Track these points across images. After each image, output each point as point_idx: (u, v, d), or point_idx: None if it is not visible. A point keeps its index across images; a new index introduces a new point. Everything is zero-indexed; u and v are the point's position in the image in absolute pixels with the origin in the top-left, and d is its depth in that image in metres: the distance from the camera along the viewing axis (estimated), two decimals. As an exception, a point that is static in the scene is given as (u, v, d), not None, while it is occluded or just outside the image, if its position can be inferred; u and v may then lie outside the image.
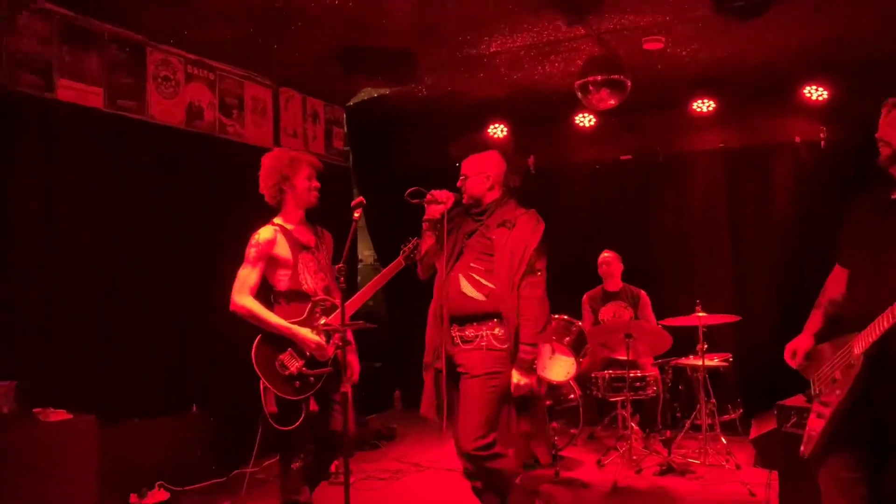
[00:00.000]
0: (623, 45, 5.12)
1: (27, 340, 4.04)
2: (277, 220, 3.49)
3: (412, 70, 5.33)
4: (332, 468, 4.74)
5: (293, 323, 3.32)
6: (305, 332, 3.33)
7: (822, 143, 6.00)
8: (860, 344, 2.27)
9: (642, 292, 5.82)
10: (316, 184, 3.48)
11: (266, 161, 3.51)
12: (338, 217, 4.28)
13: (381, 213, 7.10)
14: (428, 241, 3.39)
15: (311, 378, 3.33)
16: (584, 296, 5.92)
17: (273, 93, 5.95)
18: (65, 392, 3.94)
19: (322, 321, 3.37)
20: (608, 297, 5.84)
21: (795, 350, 2.58)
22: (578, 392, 5.27)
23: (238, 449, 5.03)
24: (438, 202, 3.30)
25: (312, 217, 3.63)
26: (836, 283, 2.62)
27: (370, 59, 5.22)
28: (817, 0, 4.48)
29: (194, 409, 4.83)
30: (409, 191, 3.28)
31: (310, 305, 3.39)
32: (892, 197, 2.42)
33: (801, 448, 2.46)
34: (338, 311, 3.32)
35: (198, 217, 5.18)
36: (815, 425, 2.41)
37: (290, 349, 3.34)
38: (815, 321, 2.61)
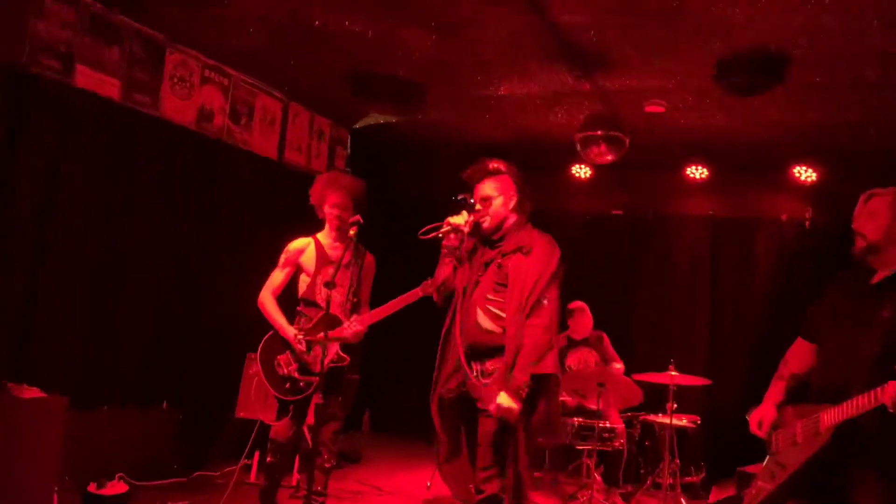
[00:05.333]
0: (625, 105, 5.31)
1: (11, 316, 4.05)
2: (320, 233, 3.94)
3: (421, 102, 5.47)
4: (294, 482, 4.78)
5: (302, 328, 3.70)
6: (290, 331, 3.73)
7: (807, 223, 6.20)
8: (831, 417, 2.38)
9: (602, 333, 5.94)
10: (336, 211, 3.84)
11: (314, 183, 3.97)
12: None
13: (376, 236, 7.19)
14: (445, 269, 3.33)
15: (301, 383, 3.62)
16: None
17: (283, 106, 6.08)
18: (41, 371, 3.96)
19: (324, 334, 3.56)
20: (574, 343, 5.93)
21: (761, 421, 2.69)
22: (545, 436, 5.31)
23: (202, 450, 5.04)
24: (457, 230, 3.21)
25: (303, 229, 3.92)
26: (798, 357, 2.75)
27: (382, 86, 5.36)
28: (812, 88, 4.70)
29: (165, 405, 4.85)
30: (423, 230, 3.18)
31: (319, 317, 3.67)
32: (871, 283, 2.55)
33: (746, 502, 2.54)
34: (340, 325, 3.66)
35: (194, 217, 5.25)
36: (767, 482, 2.50)
37: (288, 352, 3.68)
38: (776, 392, 2.73)
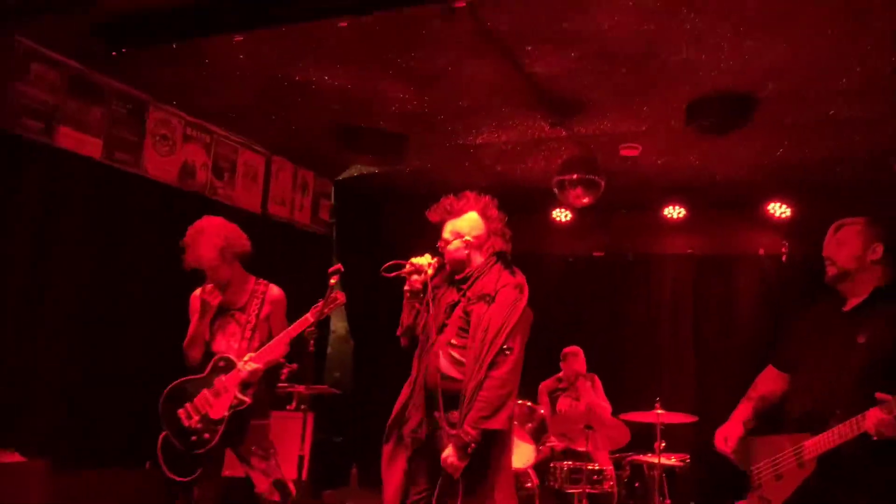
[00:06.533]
0: (601, 149, 5.43)
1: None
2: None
3: (403, 152, 5.57)
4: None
5: (193, 378, 3.56)
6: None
7: (784, 257, 6.32)
8: (814, 447, 2.39)
9: (595, 376, 5.94)
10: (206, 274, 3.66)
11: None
12: (318, 285, 4.38)
13: (360, 287, 7.19)
14: (410, 311, 3.18)
15: (206, 434, 3.45)
16: (541, 385, 5.99)
17: (266, 160, 6.15)
18: (21, 433, 3.91)
19: (220, 377, 3.50)
20: (565, 386, 5.93)
21: (727, 437, 2.71)
22: (536, 481, 5.27)
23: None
24: (419, 272, 3.07)
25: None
26: (768, 382, 2.80)
27: (364, 138, 5.46)
28: (779, 127, 4.85)
29: (148, 465, 4.75)
30: (385, 266, 3.08)
31: (211, 363, 3.57)
32: (844, 310, 2.60)
33: None
34: (234, 370, 3.49)
35: (179, 274, 5.24)
36: None
37: (188, 404, 3.51)
38: (744, 411, 2.77)
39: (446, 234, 3.12)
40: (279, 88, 4.77)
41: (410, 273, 3.09)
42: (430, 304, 3.04)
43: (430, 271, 3.07)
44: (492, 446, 2.88)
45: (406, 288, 3.15)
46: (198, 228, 3.70)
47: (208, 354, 3.61)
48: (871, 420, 2.22)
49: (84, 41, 4.15)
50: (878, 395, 2.20)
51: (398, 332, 3.27)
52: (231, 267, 3.66)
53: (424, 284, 3.07)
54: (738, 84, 4.30)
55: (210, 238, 3.63)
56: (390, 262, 3.09)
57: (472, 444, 2.78)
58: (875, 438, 2.22)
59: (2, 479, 3.45)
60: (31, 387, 4.22)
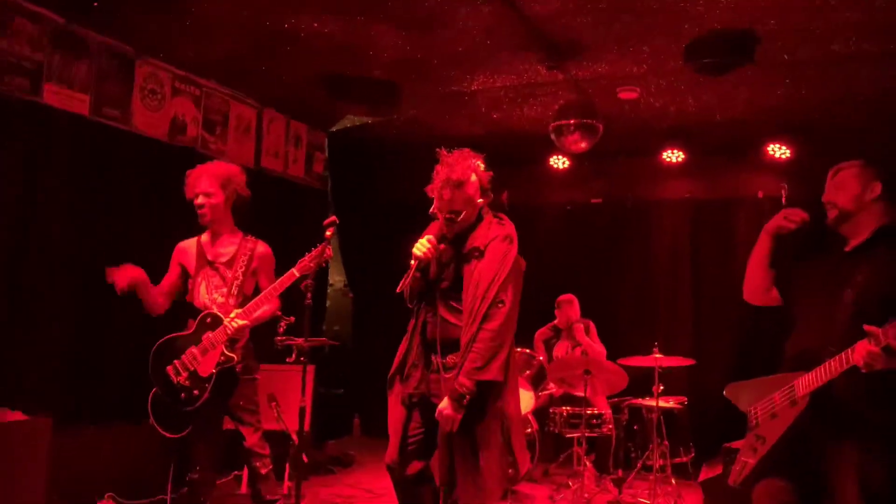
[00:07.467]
0: (599, 92, 5.33)
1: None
2: (204, 234, 3.74)
3: (396, 101, 5.47)
4: (285, 490, 4.76)
5: (181, 334, 3.55)
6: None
7: (784, 199, 6.24)
8: (805, 385, 2.41)
9: (590, 322, 5.98)
10: (199, 199, 3.63)
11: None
12: (313, 239, 4.36)
13: (356, 239, 7.18)
14: (412, 276, 3.10)
15: (195, 391, 3.46)
16: (536, 333, 6.03)
17: (257, 113, 6.05)
18: (23, 392, 3.94)
19: (207, 334, 3.48)
20: (560, 333, 5.97)
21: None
22: (535, 426, 5.34)
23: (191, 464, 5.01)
24: (425, 256, 3.02)
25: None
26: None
27: (356, 88, 5.35)
28: (781, 65, 4.74)
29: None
30: (399, 287, 3.03)
31: (198, 319, 3.54)
32: (845, 251, 2.60)
33: (731, 478, 2.57)
34: (221, 326, 3.46)
35: (173, 229, 5.20)
36: (749, 457, 2.53)
37: (176, 361, 3.50)
38: None
39: (456, 207, 3.03)
40: (267, 38, 4.65)
41: (421, 263, 3.03)
42: (434, 268, 3.06)
43: (431, 254, 3.03)
44: (492, 398, 2.91)
45: (413, 262, 3.06)
46: (206, 164, 3.72)
47: (194, 310, 3.58)
48: (860, 352, 2.22)
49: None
50: (867, 327, 2.21)
51: (402, 292, 3.16)
52: (226, 214, 3.64)
53: (432, 255, 3.05)
54: (738, 21, 4.18)
55: (216, 168, 3.65)
56: (401, 282, 3.02)
57: (468, 396, 2.82)
58: (864, 371, 2.23)
59: (6, 438, 3.48)
60: (29, 346, 4.22)
